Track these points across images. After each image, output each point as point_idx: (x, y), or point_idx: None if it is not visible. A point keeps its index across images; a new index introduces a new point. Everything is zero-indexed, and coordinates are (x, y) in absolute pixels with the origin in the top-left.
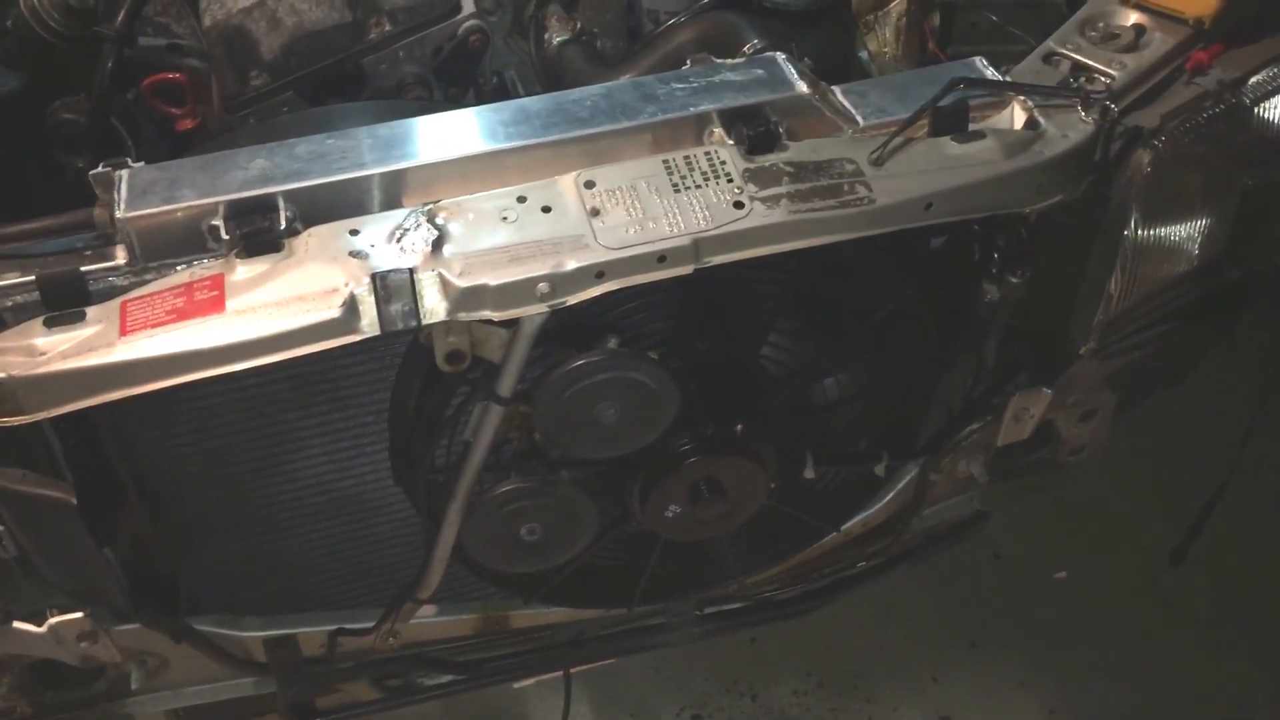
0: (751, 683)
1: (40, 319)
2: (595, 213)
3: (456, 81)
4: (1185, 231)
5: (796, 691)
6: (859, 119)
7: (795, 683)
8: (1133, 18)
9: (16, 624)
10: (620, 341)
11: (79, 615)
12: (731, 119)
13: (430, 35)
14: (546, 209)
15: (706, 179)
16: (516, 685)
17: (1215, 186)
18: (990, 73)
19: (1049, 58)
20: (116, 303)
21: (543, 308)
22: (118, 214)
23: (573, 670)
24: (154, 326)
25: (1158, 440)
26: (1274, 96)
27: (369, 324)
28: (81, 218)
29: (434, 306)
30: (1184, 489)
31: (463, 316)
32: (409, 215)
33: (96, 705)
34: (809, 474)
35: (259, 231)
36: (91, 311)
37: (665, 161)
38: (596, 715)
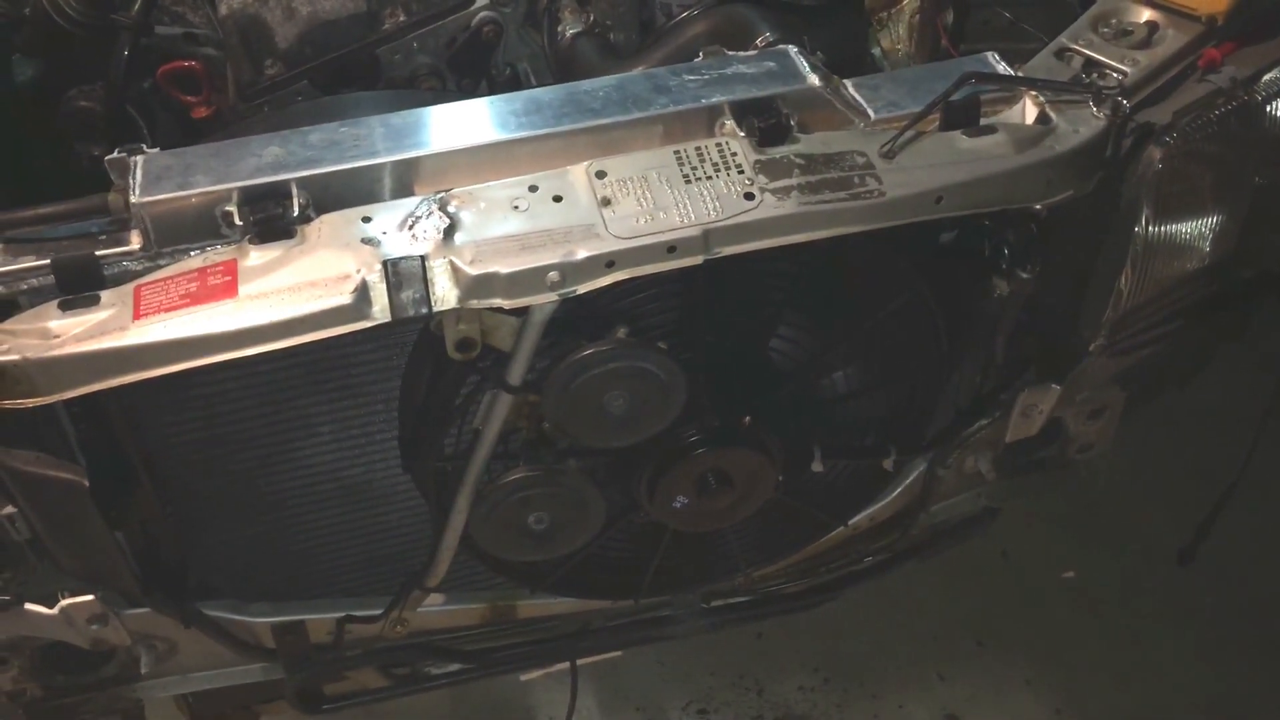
0: (758, 678)
1: (55, 302)
2: (606, 202)
3: (470, 72)
4: (1196, 229)
5: (803, 687)
6: (870, 112)
7: (802, 678)
8: (1146, 14)
9: (28, 606)
10: (630, 331)
11: (90, 598)
12: (743, 111)
13: (444, 26)
14: (558, 198)
15: (717, 170)
16: (523, 677)
17: (1226, 184)
18: (1002, 68)
19: (1061, 53)
20: (130, 287)
21: (553, 296)
22: (132, 199)
23: (579, 662)
24: (167, 311)
25: (1167, 440)
26: None
27: (380, 310)
28: (96, 203)
29: (445, 294)
30: (1193, 489)
31: (473, 304)
32: (421, 203)
33: (106, 689)
34: (817, 467)
35: (272, 218)
36: (105, 295)
37: (676, 152)
38: (602, 708)
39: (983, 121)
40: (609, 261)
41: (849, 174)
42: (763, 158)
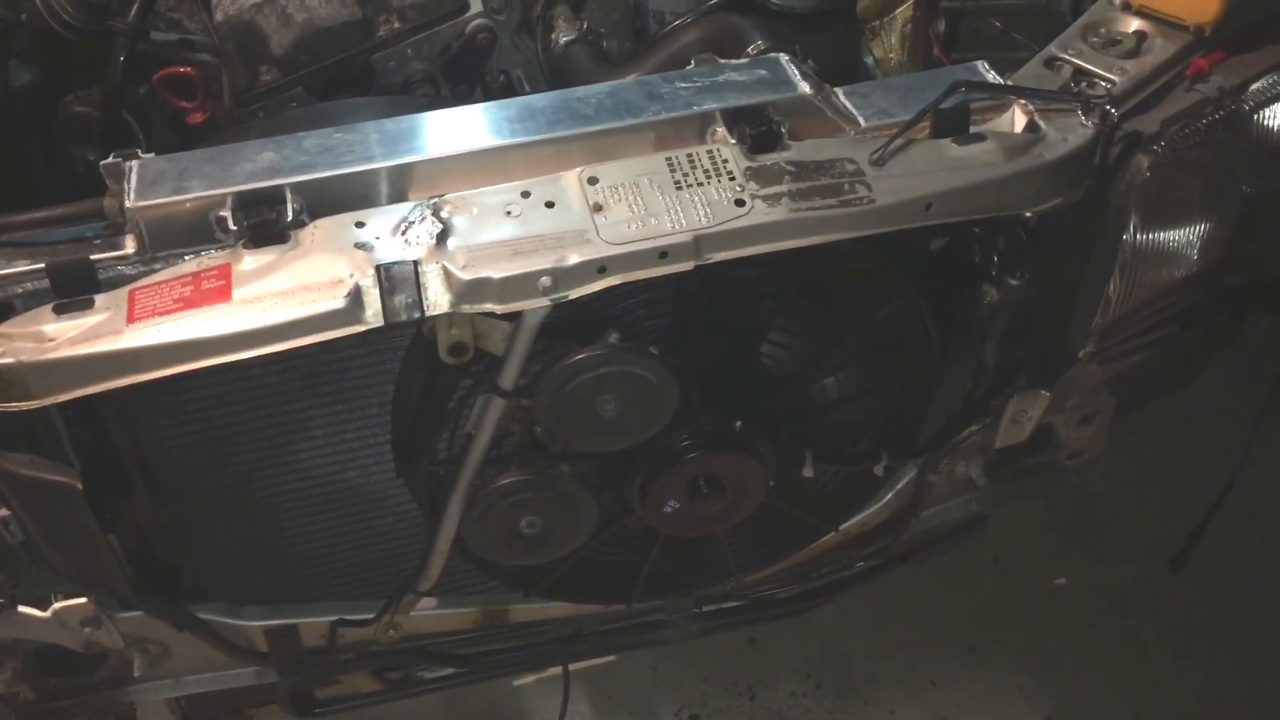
0: (750, 683)
1: (50, 306)
2: (598, 208)
3: (464, 79)
4: (1184, 237)
5: (795, 693)
6: (861, 120)
7: (794, 684)
8: (1134, 24)
9: (21, 608)
10: (621, 336)
11: (83, 601)
12: (734, 118)
13: (438, 33)
14: (550, 204)
15: (709, 177)
16: (516, 682)
17: (1214, 193)
18: (992, 76)
19: (1051, 62)
20: (125, 291)
21: (545, 301)
22: (127, 204)
23: (571, 667)
24: (161, 315)
25: (1159, 447)
26: (1273, 104)
27: (373, 315)
28: (91, 207)
29: (438, 299)
30: (1185, 497)
31: (466, 309)
32: (414, 208)
33: (99, 692)
34: (808, 472)
35: (266, 222)
36: (100, 299)
37: (668, 159)
38: (595, 713)
39: (973, 129)
40: (601, 267)
41: (839, 181)
42: (754, 164)
